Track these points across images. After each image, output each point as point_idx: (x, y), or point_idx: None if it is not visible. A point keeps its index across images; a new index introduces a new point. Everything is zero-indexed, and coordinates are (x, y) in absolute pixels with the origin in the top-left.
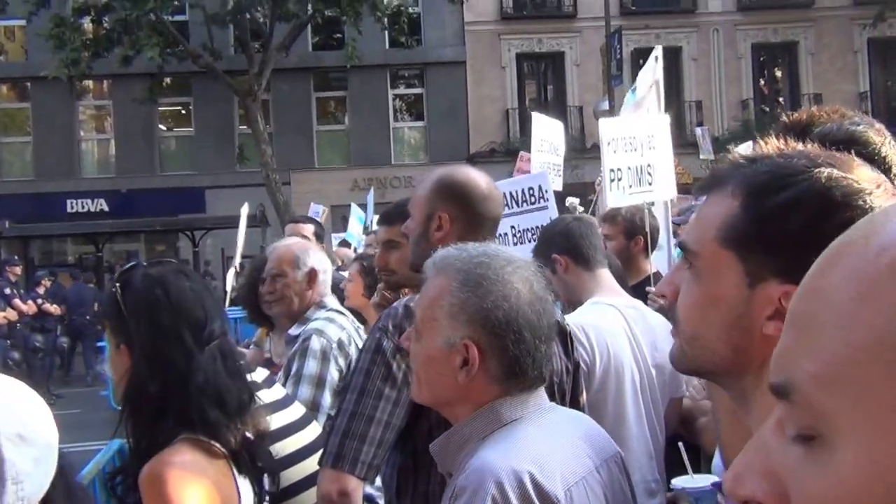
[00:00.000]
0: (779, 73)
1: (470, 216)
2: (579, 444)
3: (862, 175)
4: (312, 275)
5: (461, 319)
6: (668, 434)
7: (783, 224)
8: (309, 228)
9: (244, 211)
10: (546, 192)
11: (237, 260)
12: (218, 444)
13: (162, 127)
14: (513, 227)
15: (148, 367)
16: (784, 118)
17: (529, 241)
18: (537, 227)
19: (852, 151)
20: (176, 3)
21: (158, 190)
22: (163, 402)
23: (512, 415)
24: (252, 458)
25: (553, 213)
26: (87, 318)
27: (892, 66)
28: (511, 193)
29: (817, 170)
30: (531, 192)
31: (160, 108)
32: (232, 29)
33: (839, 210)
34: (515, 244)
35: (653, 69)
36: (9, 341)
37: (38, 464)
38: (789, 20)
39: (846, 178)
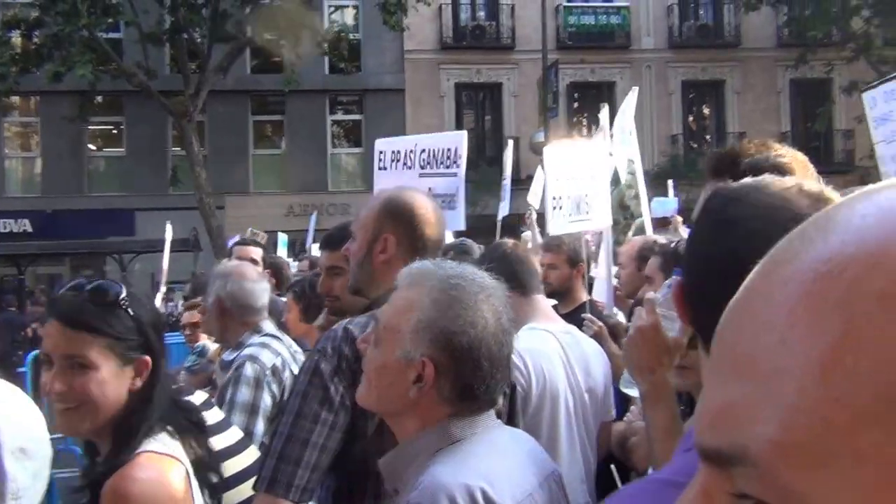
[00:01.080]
0: (706, 111)
1: (414, 239)
2: (524, 462)
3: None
4: (219, 303)
5: (425, 337)
6: (600, 457)
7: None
8: (257, 252)
9: (168, 233)
10: (459, 157)
11: (163, 285)
12: (180, 458)
13: (92, 146)
14: (430, 189)
15: (159, 382)
16: (712, 154)
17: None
18: (447, 195)
19: None
20: (110, 20)
21: (86, 211)
22: (134, 419)
23: (461, 433)
24: (209, 474)
25: (460, 182)
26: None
27: (813, 107)
28: (433, 151)
29: None
30: (448, 153)
31: (90, 128)
32: (168, 48)
33: None
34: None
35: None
36: None
37: (37, 478)
38: (717, 59)
39: None
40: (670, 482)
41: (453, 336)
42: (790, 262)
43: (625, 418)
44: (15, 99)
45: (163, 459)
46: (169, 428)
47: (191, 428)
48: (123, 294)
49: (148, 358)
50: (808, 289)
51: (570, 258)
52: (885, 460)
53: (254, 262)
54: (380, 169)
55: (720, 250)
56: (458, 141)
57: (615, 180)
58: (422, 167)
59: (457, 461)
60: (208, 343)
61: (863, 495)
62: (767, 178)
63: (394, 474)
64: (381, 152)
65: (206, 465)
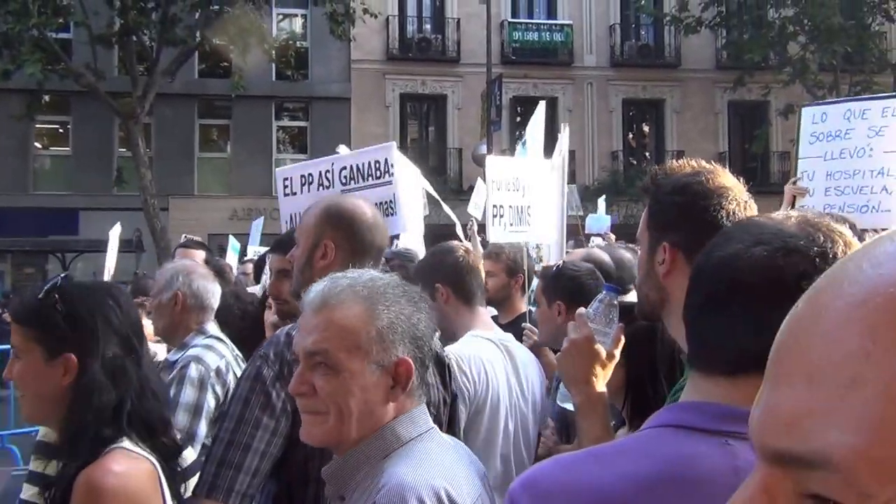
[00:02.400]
0: (646, 129)
1: (355, 245)
2: (467, 463)
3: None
4: (178, 298)
5: (391, 339)
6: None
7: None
8: (199, 254)
9: (115, 233)
10: (391, 165)
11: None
12: (148, 454)
13: (38, 145)
14: None
15: (109, 377)
16: (654, 170)
17: None
18: (382, 203)
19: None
20: (60, 20)
21: (30, 209)
22: (115, 413)
23: (408, 433)
24: (172, 463)
25: (398, 188)
26: None
27: (750, 128)
28: (357, 167)
29: None
30: (377, 165)
31: (37, 126)
32: (117, 50)
33: None
34: None
35: (538, 122)
36: None
37: None
38: (657, 79)
39: None
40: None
41: (413, 329)
42: (861, 283)
43: (541, 442)
44: None
45: (133, 456)
46: (133, 435)
47: (163, 445)
48: (49, 287)
49: (72, 356)
50: (890, 307)
51: (508, 268)
52: None
53: None
54: (286, 195)
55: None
56: (388, 151)
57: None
58: (343, 184)
59: (414, 462)
60: (149, 343)
61: None
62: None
63: (340, 480)
64: (285, 179)
65: (173, 476)
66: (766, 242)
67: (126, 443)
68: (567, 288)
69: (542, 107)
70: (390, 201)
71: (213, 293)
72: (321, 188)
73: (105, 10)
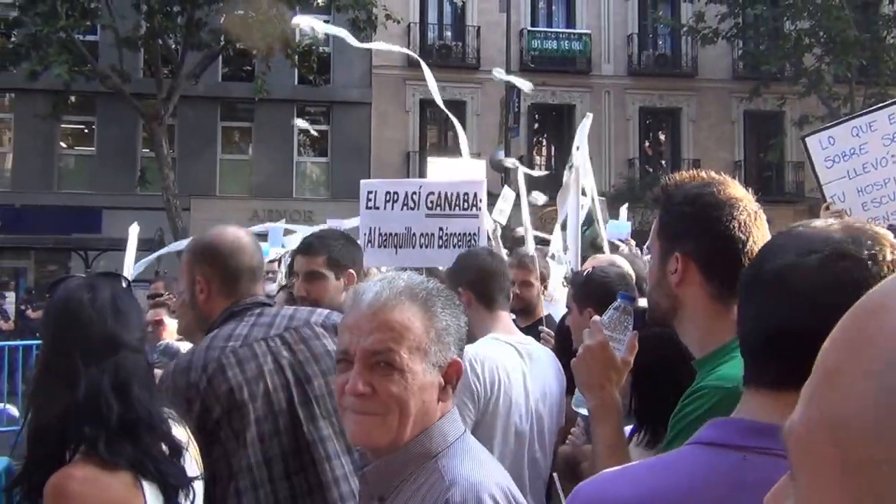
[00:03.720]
0: (662, 137)
1: (223, 273)
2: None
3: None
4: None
5: (448, 341)
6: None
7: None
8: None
9: (133, 231)
10: (480, 200)
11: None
12: (121, 464)
13: (63, 144)
14: (441, 228)
15: (46, 382)
16: (665, 180)
17: (455, 247)
18: (465, 234)
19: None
20: (88, 23)
21: (54, 207)
22: (60, 419)
23: (455, 433)
24: (160, 472)
25: (483, 223)
26: None
27: (765, 137)
28: (446, 195)
29: None
30: (465, 197)
31: (63, 126)
32: (142, 53)
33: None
34: (440, 247)
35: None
36: None
37: None
38: (674, 88)
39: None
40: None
41: (461, 329)
42: None
43: (568, 439)
44: None
45: (104, 463)
46: (91, 428)
47: (127, 426)
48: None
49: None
50: None
51: (542, 275)
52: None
53: None
54: (368, 208)
55: None
56: (478, 187)
57: (588, 220)
58: (429, 208)
59: (474, 461)
60: (172, 342)
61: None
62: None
63: (383, 481)
64: (369, 192)
65: (160, 461)
66: (818, 250)
67: (101, 448)
68: (596, 294)
69: (588, 119)
70: (474, 234)
71: None
72: (405, 208)
73: (132, 13)
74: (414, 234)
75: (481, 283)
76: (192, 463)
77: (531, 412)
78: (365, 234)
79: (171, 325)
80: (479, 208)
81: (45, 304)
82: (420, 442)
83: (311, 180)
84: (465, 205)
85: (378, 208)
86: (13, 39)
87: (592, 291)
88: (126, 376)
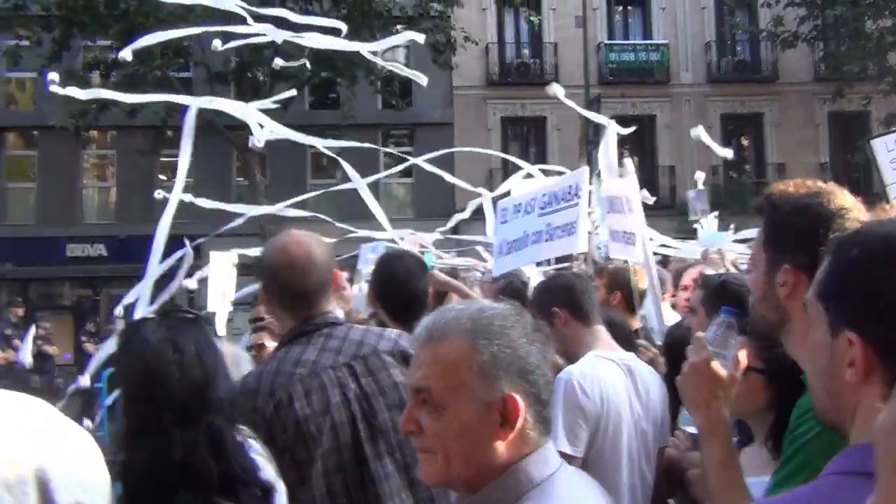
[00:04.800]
0: (745, 142)
1: (286, 290)
2: (599, 499)
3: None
4: None
5: (496, 374)
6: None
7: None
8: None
9: (224, 258)
10: (579, 189)
11: (225, 308)
12: None
13: (162, 177)
14: (548, 223)
15: (135, 442)
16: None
17: (558, 238)
18: (567, 224)
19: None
20: (181, 60)
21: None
22: (155, 481)
23: (542, 473)
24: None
25: (582, 210)
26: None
27: (851, 139)
28: (555, 193)
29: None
30: (569, 189)
31: (161, 160)
32: (233, 86)
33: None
34: (547, 240)
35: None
36: (6, 382)
37: None
38: (755, 93)
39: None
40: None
41: (521, 361)
42: None
43: (672, 443)
44: (93, 133)
45: None
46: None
47: (223, 486)
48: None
49: None
50: None
51: (608, 283)
52: None
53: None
54: (501, 223)
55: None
56: (580, 177)
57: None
58: (541, 208)
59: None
60: None
61: None
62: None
63: None
64: (503, 209)
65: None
66: None
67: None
68: (734, 302)
69: (613, 128)
70: (573, 222)
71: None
72: (525, 214)
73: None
74: (528, 235)
75: (573, 300)
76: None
77: (638, 430)
78: (497, 248)
79: (272, 347)
80: (579, 196)
81: (122, 353)
82: (501, 484)
83: (397, 201)
84: (569, 196)
85: (507, 221)
86: (112, 79)
87: (726, 300)
88: (219, 433)
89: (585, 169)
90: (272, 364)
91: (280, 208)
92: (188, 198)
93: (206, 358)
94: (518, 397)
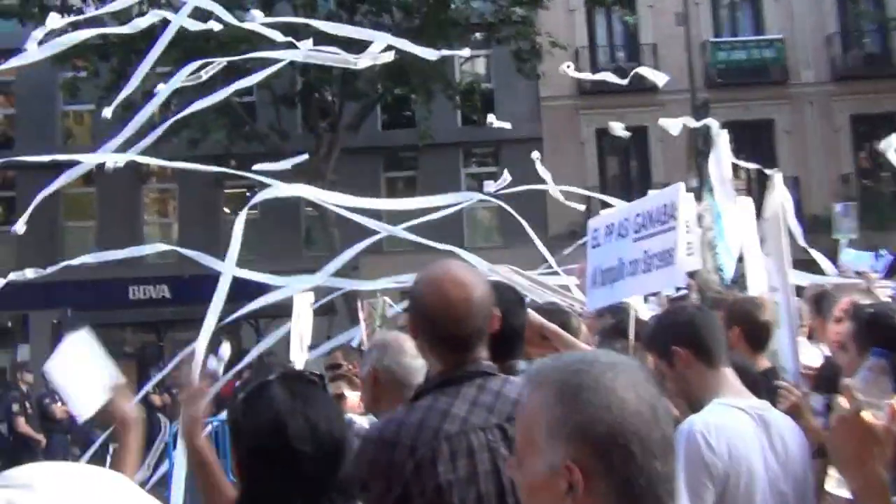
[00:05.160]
0: (881, 146)
1: (435, 334)
2: None
3: None
4: (373, 374)
5: (560, 438)
6: None
7: None
8: None
9: (303, 300)
10: (675, 209)
11: (302, 351)
12: None
13: (226, 210)
14: (645, 251)
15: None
16: None
17: (656, 269)
18: (664, 252)
19: None
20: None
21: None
22: None
23: None
24: None
25: (679, 233)
26: None
27: None
28: (649, 212)
29: None
30: (664, 209)
31: (225, 192)
32: (300, 109)
33: None
34: (644, 272)
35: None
36: (69, 436)
37: None
38: (889, 90)
39: None
40: None
41: (588, 427)
42: None
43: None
44: (153, 166)
45: None
46: None
47: None
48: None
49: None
50: None
51: (726, 317)
52: None
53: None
54: (593, 247)
55: None
56: (674, 194)
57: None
58: (636, 231)
59: None
60: (354, 416)
61: None
62: None
63: None
64: (594, 230)
65: None
66: None
67: None
68: (888, 338)
69: (724, 136)
70: (671, 249)
71: (412, 369)
72: (619, 237)
73: (286, 69)
74: (624, 264)
75: (696, 338)
76: None
77: (775, 491)
78: (590, 277)
79: (351, 397)
80: (676, 217)
81: (241, 418)
82: None
83: (483, 227)
84: (664, 217)
85: (600, 245)
86: (173, 105)
87: (883, 335)
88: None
89: (680, 185)
90: (415, 414)
91: (324, 277)
92: (239, 272)
93: (336, 433)
94: (580, 468)
